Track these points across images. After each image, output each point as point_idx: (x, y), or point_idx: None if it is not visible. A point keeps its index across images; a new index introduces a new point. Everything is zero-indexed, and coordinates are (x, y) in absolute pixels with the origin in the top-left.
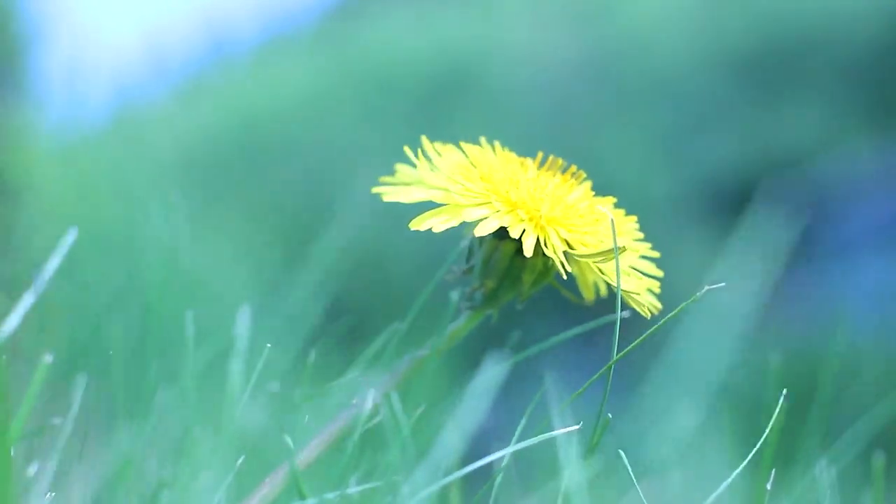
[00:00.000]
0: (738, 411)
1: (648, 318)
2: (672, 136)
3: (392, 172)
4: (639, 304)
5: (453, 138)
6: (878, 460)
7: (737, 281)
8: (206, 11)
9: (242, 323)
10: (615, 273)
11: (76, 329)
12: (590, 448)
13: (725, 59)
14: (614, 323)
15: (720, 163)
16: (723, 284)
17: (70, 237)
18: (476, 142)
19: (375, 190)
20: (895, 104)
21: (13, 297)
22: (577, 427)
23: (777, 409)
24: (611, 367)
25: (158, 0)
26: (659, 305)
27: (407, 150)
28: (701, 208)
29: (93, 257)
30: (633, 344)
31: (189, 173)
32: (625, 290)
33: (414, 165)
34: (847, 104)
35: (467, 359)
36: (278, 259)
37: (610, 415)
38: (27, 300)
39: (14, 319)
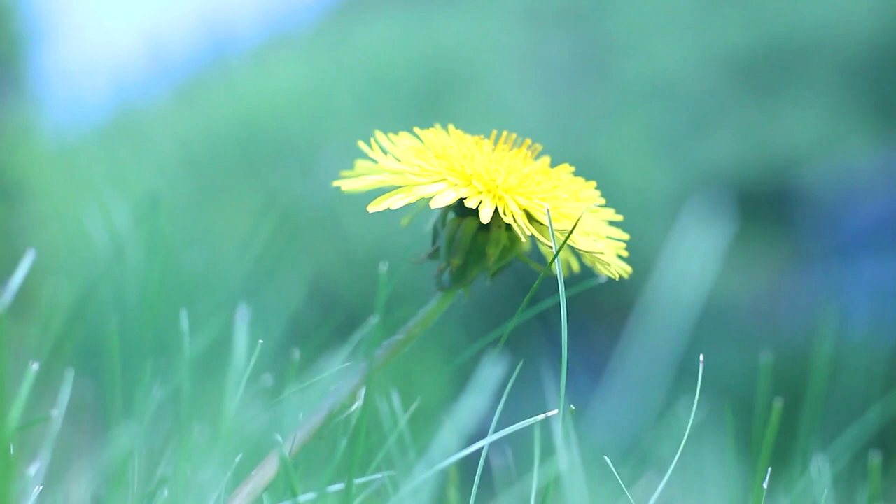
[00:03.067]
0: (737, 410)
1: (617, 279)
2: (671, 136)
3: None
4: (605, 265)
5: None
6: (875, 459)
7: (737, 280)
8: (206, 11)
9: (240, 320)
10: (583, 241)
11: (73, 327)
12: (564, 428)
13: (725, 59)
14: (615, 326)
15: (720, 163)
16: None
17: (29, 258)
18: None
19: (335, 183)
20: (895, 104)
21: (13, 295)
22: (554, 412)
23: (773, 408)
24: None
25: (158, 0)
26: (628, 269)
27: (360, 143)
28: (700, 208)
29: (92, 256)
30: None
31: (188, 171)
32: (591, 252)
33: (371, 158)
34: (847, 104)
35: (468, 359)
36: (275, 256)
37: (573, 406)
38: (12, 286)
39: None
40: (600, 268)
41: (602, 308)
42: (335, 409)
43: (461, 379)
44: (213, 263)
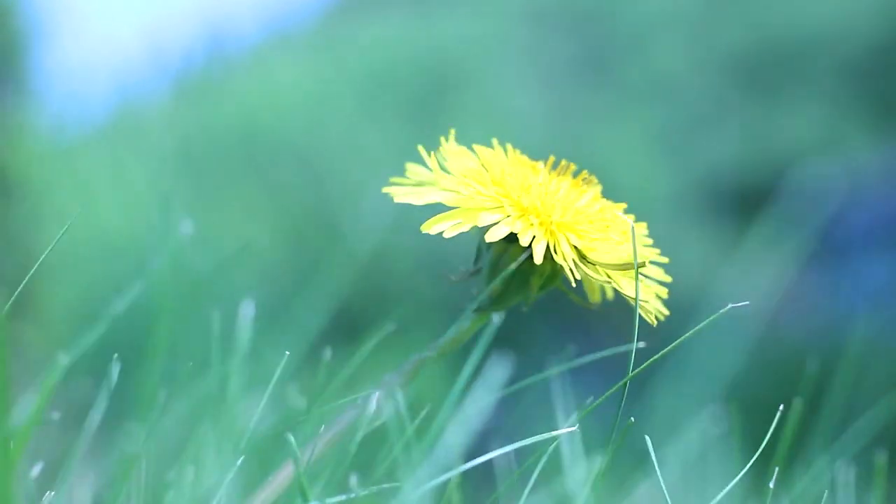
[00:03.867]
0: (742, 410)
1: (654, 325)
2: (671, 135)
3: (401, 172)
4: (646, 311)
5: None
6: (881, 458)
7: (745, 282)
8: (206, 10)
9: (245, 322)
10: (628, 284)
11: (78, 327)
12: (607, 456)
13: (725, 59)
14: (619, 327)
15: (720, 163)
16: (746, 303)
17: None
18: (475, 140)
19: (386, 189)
20: (895, 104)
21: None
22: (575, 428)
23: (780, 409)
24: (626, 383)
25: None
26: (666, 312)
27: (421, 149)
28: (701, 207)
29: (94, 255)
30: (648, 362)
31: (189, 171)
32: (633, 298)
33: (426, 165)
34: (847, 104)
35: (471, 359)
36: (279, 255)
37: (633, 418)
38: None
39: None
40: (640, 311)
41: (608, 307)
42: (357, 422)
43: (465, 380)
44: (219, 263)
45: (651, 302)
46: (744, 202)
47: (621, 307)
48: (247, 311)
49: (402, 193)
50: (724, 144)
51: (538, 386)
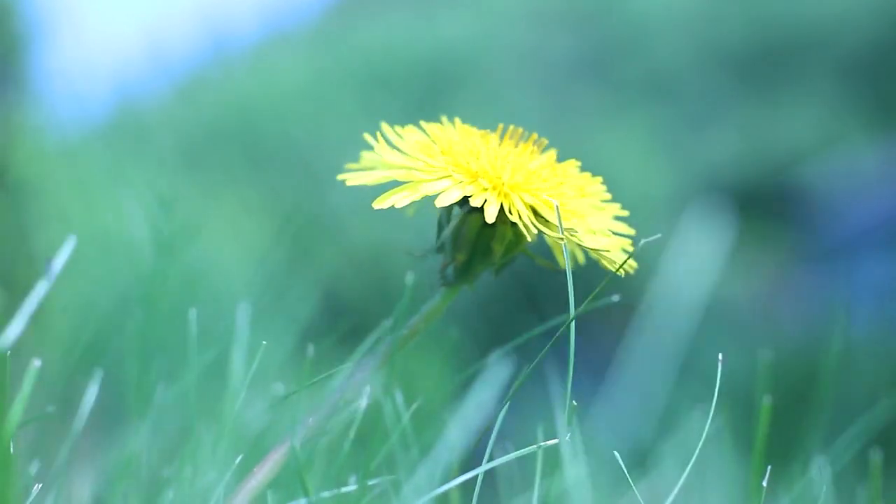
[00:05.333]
0: (737, 410)
1: (623, 276)
2: (671, 133)
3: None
4: (611, 262)
5: None
6: (876, 458)
7: (737, 279)
8: (206, 8)
9: (242, 319)
10: (589, 238)
11: (78, 326)
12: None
13: (725, 58)
14: (618, 326)
15: (720, 161)
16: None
17: (71, 243)
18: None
19: (340, 176)
20: (895, 104)
21: (14, 294)
22: (556, 441)
23: (770, 407)
24: (569, 326)
25: None
26: (633, 264)
27: (366, 136)
28: (700, 206)
29: (93, 254)
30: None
31: (189, 168)
32: (596, 249)
33: (373, 150)
34: (847, 103)
35: (471, 358)
36: (277, 253)
37: (575, 402)
38: (31, 304)
39: (18, 325)
40: (605, 264)
41: (604, 307)
42: (339, 405)
43: (465, 378)
44: (217, 262)
45: (617, 254)
46: (744, 200)
47: (622, 307)
48: (244, 308)
49: (353, 177)
50: (723, 143)
51: (538, 385)
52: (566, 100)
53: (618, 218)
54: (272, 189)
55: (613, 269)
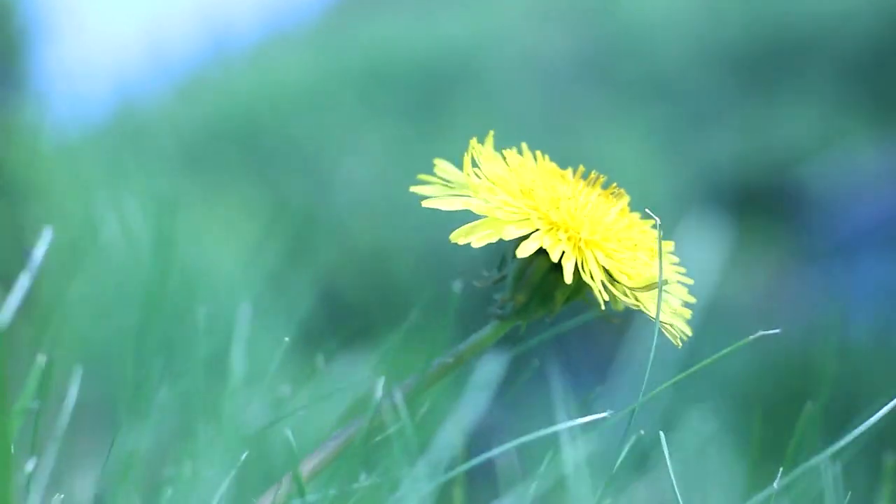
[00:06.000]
0: (738, 409)
1: (679, 346)
2: (671, 133)
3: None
4: (671, 333)
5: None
6: (889, 461)
7: (737, 279)
8: (206, 8)
9: (243, 319)
10: (652, 304)
11: (78, 325)
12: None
13: (725, 57)
14: (619, 324)
15: (720, 161)
16: (777, 331)
17: (46, 235)
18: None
19: (414, 189)
20: (895, 103)
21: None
22: (574, 423)
23: (772, 407)
24: (635, 409)
25: None
26: (689, 332)
27: (474, 145)
28: (701, 206)
29: (94, 253)
30: (663, 386)
31: (189, 167)
32: (664, 322)
33: (458, 166)
34: (847, 103)
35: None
36: (279, 253)
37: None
38: (19, 291)
39: (8, 310)
40: (666, 333)
41: (607, 307)
42: (361, 430)
43: (463, 375)
44: (216, 261)
45: (676, 324)
46: (744, 200)
47: (625, 310)
48: (245, 308)
49: (431, 199)
50: (724, 143)
51: (537, 385)
52: (566, 99)
53: (680, 284)
54: (272, 188)
55: (670, 338)
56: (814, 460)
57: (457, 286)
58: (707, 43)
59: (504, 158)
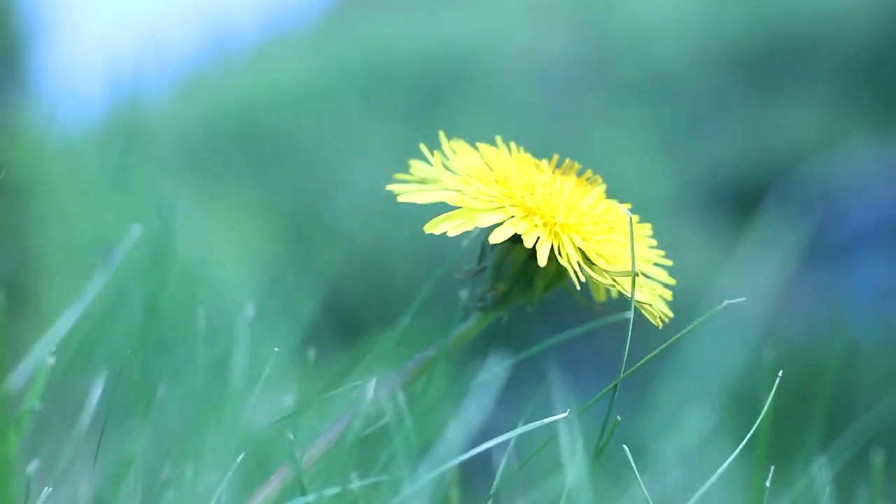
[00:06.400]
0: (740, 410)
1: (660, 327)
2: (671, 133)
3: (403, 169)
4: (651, 313)
5: (451, 135)
6: (878, 458)
7: (745, 281)
8: (206, 7)
9: (244, 319)
10: (629, 285)
11: (79, 326)
12: (597, 451)
13: (725, 57)
14: (619, 325)
15: (720, 161)
16: (742, 299)
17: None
18: (476, 138)
19: (390, 187)
20: (895, 103)
21: (14, 294)
22: (566, 414)
23: (772, 407)
24: (616, 385)
25: None
26: (670, 314)
27: (423, 147)
28: (701, 206)
29: (94, 254)
30: (644, 360)
31: (189, 167)
32: (641, 302)
33: (429, 162)
34: (847, 102)
35: (471, 356)
36: (279, 254)
37: (619, 417)
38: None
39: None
40: (644, 312)
41: (608, 306)
42: (358, 421)
43: (464, 377)
44: (217, 261)
45: (655, 305)
46: (744, 201)
47: (621, 306)
48: (246, 308)
49: (405, 193)
50: (723, 143)
51: (537, 384)
52: (567, 99)
53: (658, 265)
54: (273, 189)
55: (650, 318)
56: (813, 460)
57: (464, 295)
58: (707, 43)
59: (478, 151)
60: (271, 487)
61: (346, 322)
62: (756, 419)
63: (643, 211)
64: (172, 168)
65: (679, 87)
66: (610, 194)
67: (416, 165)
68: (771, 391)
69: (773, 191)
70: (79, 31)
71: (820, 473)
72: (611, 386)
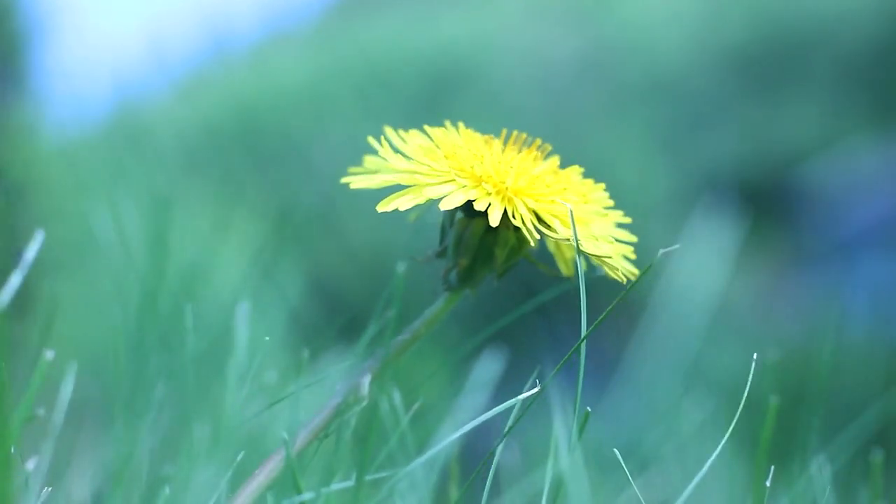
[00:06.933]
0: (739, 409)
1: (624, 282)
2: (671, 134)
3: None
4: (613, 269)
5: None
6: (877, 457)
7: (737, 279)
8: (206, 7)
9: (241, 317)
10: (591, 244)
11: (75, 323)
12: (577, 432)
13: (725, 57)
14: (619, 325)
15: (720, 161)
16: (677, 246)
17: (39, 237)
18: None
19: (344, 180)
20: (895, 103)
21: (13, 296)
22: (538, 389)
23: (773, 407)
24: (580, 344)
25: None
26: (635, 271)
27: (370, 139)
28: (700, 206)
29: (92, 252)
30: (603, 315)
31: (189, 168)
32: (598, 255)
33: (377, 153)
34: (847, 102)
35: (468, 355)
36: (277, 253)
37: (589, 408)
38: (13, 289)
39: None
40: (607, 270)
41: (606, 306)
42: (340, 407)
43: (459, 373)
44: (216, 261)
45: (618, 261)
46: (744, 201)
47: (620, 306)
48: (242, 306)
49: (357, 181)
50: (724, 143)
51: (532, 382)
52: (567, 99)
53: (620, 225)
54: (272, 188)
55: (614, 276)
56: (813, 459)
57: (400, 267)
58: (707, 43)
59: (426, 134)
60: (261, 478)
61: (343, 319)
62: (754, 418)
63: (642, 210)
64: (172, 167)
65: (679, 87)
66: (610, 194)
67: (369, 159)
68: (768, 390)
69: (773, 190)
70: (79, 31)
71: (819, 473)
72: (579, 342)
